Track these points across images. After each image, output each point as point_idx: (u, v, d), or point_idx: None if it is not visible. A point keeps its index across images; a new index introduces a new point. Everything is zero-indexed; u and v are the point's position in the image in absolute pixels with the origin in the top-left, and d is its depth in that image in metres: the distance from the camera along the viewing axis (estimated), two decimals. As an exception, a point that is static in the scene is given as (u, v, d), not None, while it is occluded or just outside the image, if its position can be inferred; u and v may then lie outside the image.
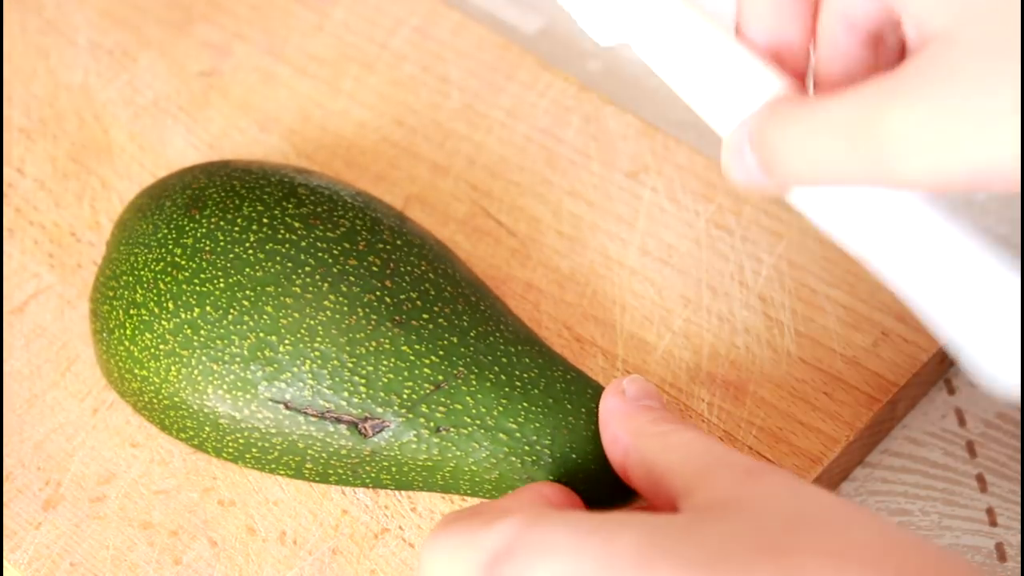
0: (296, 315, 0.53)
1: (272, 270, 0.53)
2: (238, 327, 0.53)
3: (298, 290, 0.53)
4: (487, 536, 0.46)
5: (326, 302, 0.52)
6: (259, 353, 0.52)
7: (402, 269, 0.54)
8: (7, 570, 0.55)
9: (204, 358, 0.53)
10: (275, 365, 0.52)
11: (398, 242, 0.55)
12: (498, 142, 0.64)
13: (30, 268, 0.62)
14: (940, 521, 0.57)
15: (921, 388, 0.59)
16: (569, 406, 0.53)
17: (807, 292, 0.60)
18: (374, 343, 0.53)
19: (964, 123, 0.41)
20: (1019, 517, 0.57)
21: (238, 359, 0.52)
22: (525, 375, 0.53)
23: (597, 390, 0.54)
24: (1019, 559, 0.56)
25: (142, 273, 0.54)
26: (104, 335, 0.55)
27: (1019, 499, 0.58)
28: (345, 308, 0.52)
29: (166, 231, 0.55)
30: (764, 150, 0.47)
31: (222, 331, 0.53)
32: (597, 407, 0.53)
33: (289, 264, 0.53)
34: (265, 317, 0.53)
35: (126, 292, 0.54)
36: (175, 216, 0.55)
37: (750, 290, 0.60)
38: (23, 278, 0.62)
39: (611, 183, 0.63)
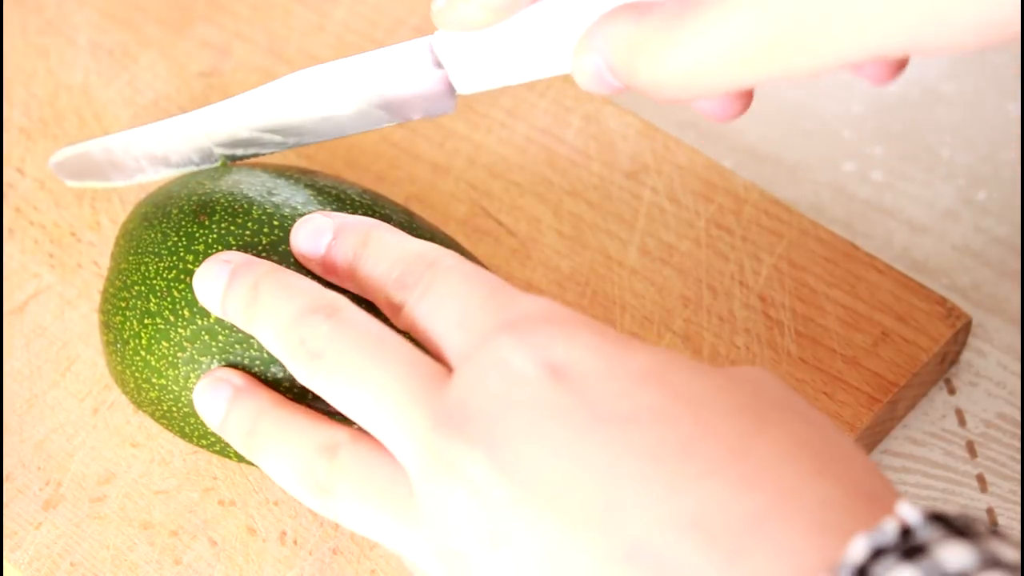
0: None
1: None
2: None
3: None
4: (513, 301, 0.46)
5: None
6: None
7: None
8: (7, 570, 0.55)
9: (224, 363, 0.53)
10: None
11: None
12: (498, 142, 0.64)
13: (30, 268, 0.62)
14: (940, 521, 0.57)
15: (921, 388, 0.59)
16: None
17: (807, 292, 0.60)
18: None
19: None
20: (1019, 517, 0.57)
21: (258, 362, 0.52)
22: None
23: None
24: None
25: (154, 282, 0.54)
26: (118, 346, 0.55)
27: (1019, 499, 0.58)
28: (362, 306, 0.52)
29: (176, 239, 0.55)
30: (641, 68, 0.46)
31: (241, 335, 0.53)
32: None
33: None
34: None
35: (139, 302, 0.54)
36: (184, 223, 0.55)
37: (750, 290, 0.60)
38: (23, 278, 0.62)
39: (611, 183, 0.63)
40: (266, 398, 0.51)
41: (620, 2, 0.47)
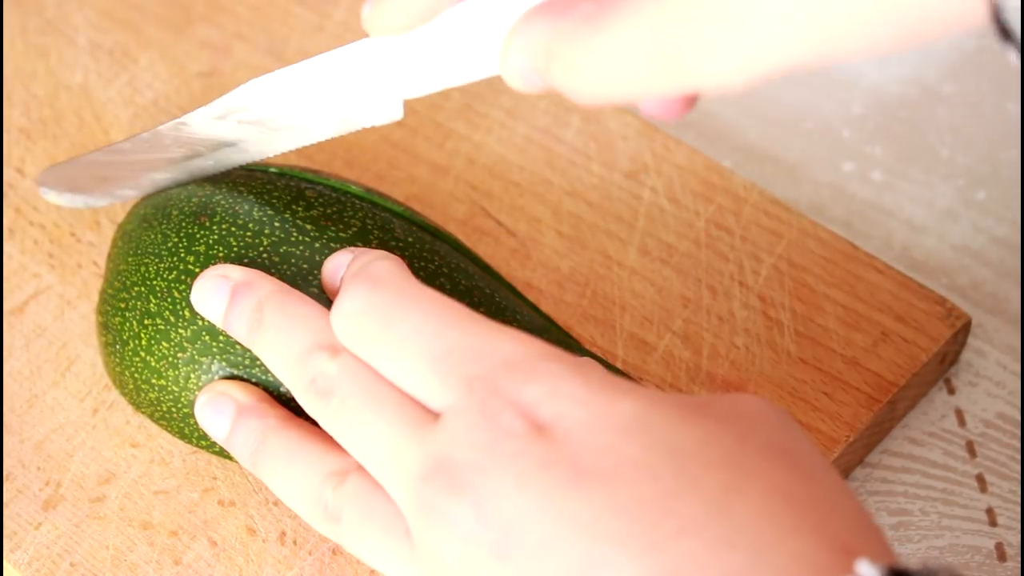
0: None
1: (288, 272, 0.53)
2: None
3: (315, 291, 0.53)
4: (498, 343, 0.46)
5: None
6: None
7: (416, 265, 0.54)
8: (7, 570, 0.55)
9: (224, 363, 0.53)
10: None
11: (410, 239, 0.55)
12: (498, 142, 0.64)
13: (30, 268, 0.62)
14: (940, 521, 0.57)
15: (921, 388, 0.59)
16: None
17: (807, 292, 0.60)
18: None
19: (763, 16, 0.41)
20: (1019, 517, 0.57)
21: (259, 362, 0.52)
22: None
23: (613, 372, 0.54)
24: (1019, 559, 0.56)
25: (155, 283, 0.54)
26: (117, 347, 0.55)
27: (1019, 499, 0.58)
28: None
29: (176, 240, 0.55)
30: (556, 72, 0.45)
31: None
32: None
33: (304, 266, 0.53)
34: None
35: (139, 303, 0.54)
36: (184, 224, 0.55)
37: (750, 290, 0.60)
38: (23, 278, 0.62)
39: (611, 183, 0.63)
40: (272, 416, 0.51)
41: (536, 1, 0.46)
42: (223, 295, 0.52)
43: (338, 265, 0.52)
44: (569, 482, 0.42)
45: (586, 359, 0.46)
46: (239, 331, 0.51)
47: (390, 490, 0.46)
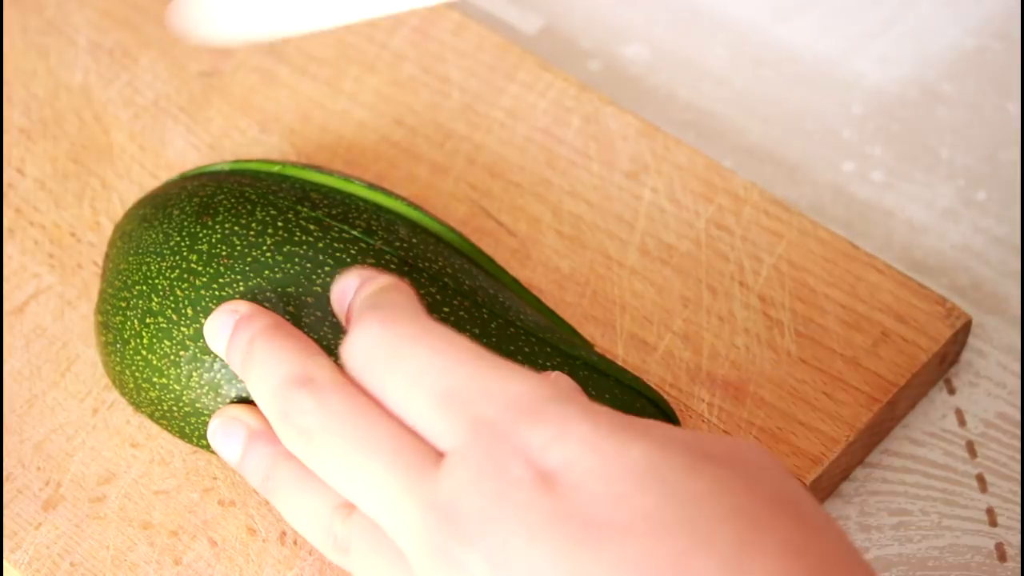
0: (318, 314, 0.53)
1: (291, 271, 0.53)
2: None
3: (319, 290, 0.53)
4: (507, 383, 0.45)
5: None
6: None
7: (420, 265, 0.54)
8: (7, 570, 0.55)
9: (228, 363, 0.53)
10: None
11: (414, 239, 0.55)
12: (498, 142, 0.64)
13: (30, 269, 0.62)
14: (940, 521, 0.57)
15: (921, 388, 0.59)
16: (592, 392, 0.53)
17: (807, 292, 0.60)
18: None
19: None
20: (1019, 517, 0.57)
21: None
22: (547, 364, 0.54)
23: (620, 376, 0.54)
24: (1019, 559, 0.56)
25: (156, 282, 0.54)
26: (118, 346, 0.55)
27: (1019, 499, 0.58)
28: None
29: (179, 239, 0.55)
30: None
31: None
32: (621, 392, 0.54)
33: (308, 265, 0.53)
34: (287, 318, 0.53)
35: (140, 302, 0.54)
36: (186, 224, 0.55)
37: (750, 290, 0.60)
38: (23, 279, 0.62)
39: (611, 183, 0.63)
40: (281, 442, 0.51)
41: None
42: (228, 328, 0.52)
43: (345, 288, 0.51)
44: (582, 536, 0.42)
45: (593, 404, 0.45)
46: (235, 363, 0.52)
47: (391, 532, 0.46)
